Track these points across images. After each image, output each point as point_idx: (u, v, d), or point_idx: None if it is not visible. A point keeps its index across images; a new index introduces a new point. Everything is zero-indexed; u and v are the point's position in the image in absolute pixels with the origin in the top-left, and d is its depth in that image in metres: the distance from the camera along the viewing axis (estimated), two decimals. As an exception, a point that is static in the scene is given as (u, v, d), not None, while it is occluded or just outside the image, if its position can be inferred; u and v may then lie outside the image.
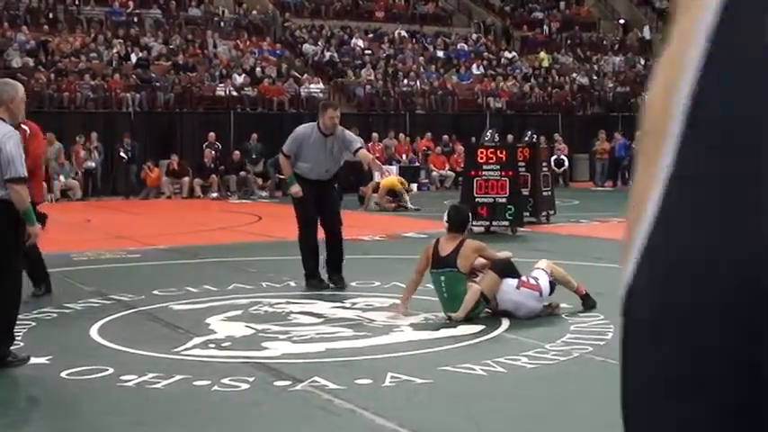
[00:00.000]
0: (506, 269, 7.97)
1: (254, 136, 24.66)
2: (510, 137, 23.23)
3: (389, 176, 21.05)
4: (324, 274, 9.66)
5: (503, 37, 36.64)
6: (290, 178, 9.75)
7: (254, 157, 24.45)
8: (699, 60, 0.62)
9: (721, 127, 0.60)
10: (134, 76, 26.37)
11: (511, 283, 7.85)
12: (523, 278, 7.91)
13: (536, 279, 7.92)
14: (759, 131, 0.57)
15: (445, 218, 8.18)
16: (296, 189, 9.58)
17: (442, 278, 7.87)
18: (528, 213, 15.21)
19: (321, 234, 9.72)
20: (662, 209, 0.61)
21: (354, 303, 8.76)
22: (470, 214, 8.77)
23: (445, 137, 27.28)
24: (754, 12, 0.60)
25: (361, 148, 9.90)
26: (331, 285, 9.56)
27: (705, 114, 0.60)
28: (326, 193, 9.67)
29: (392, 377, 6.07)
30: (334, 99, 24.53)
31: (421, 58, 32.28)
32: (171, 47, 28.69)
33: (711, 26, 0.61)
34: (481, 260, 7.99)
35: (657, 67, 0.66)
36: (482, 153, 14.35)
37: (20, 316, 6.72)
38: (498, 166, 14.23)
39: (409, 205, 19.79)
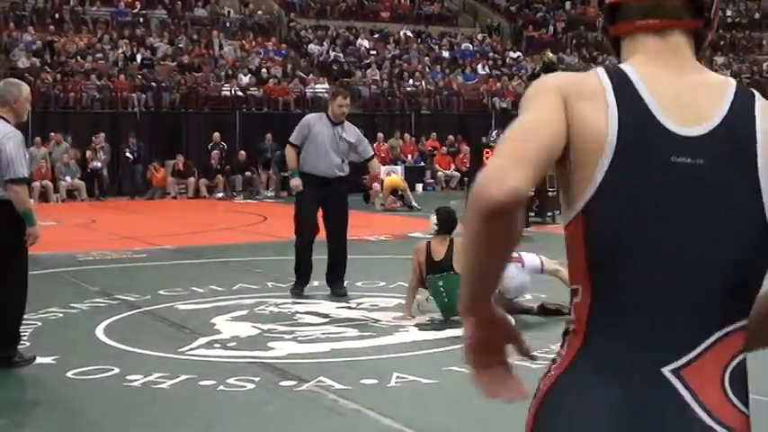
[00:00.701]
0: None
1: (269, 136, 24.53)
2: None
3: (393, 176, 21.08)
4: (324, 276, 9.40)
5: (512, 37, 36.60)
6: (292, 170, 9.31)
7: (269, 156, 24.34)
8: None
9: None
10: (139, 77, 26.36)
11: None
12: None
13: (518, 254, 7.76)
14: None
15: (434, 220, 8.13)
16: (296, 182, 9.22)
17: (440, 282, 7.77)
18: (533, 213, 15.19)
19: (322, 235, 9.33)
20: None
21: (360, 303, 8.75)
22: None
23: (451, 137, 27.28)
24: None
25: (374, 156, 9.88)
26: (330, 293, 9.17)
27: None
28: (333, 195, 9.12)
29: (398, 377, 6.07)
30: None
31: (426, 58, 32.24)
32: (176, 47, 28.70)
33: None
34: None
35: None
36: (488, 153, 14.34)
37: (25, 316, 6.72)
38: (503, 166, 14.19)
39: (413, 203, 19.83)
